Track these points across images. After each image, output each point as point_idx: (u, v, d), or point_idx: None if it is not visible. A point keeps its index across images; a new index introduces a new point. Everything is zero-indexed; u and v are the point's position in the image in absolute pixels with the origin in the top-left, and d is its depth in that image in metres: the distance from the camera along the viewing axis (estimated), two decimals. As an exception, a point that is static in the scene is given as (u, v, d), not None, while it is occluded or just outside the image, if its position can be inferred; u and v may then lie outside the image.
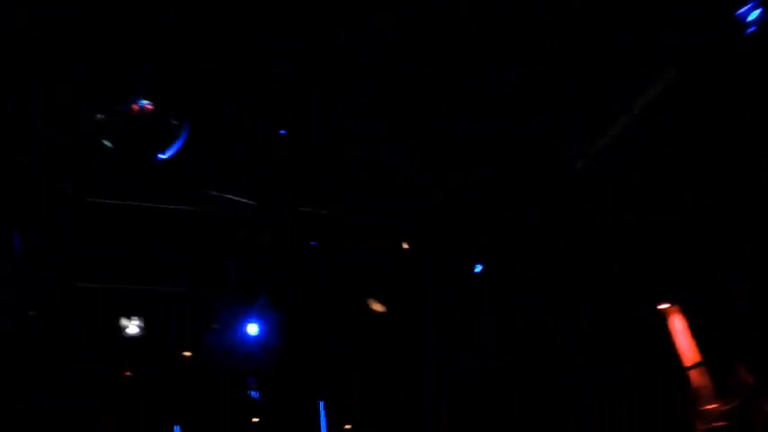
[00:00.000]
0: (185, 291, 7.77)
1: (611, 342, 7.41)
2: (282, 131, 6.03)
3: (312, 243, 7.34)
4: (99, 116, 5.19)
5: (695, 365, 6.50)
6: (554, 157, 6.10)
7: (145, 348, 7.98)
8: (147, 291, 7.69)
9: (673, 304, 6.74)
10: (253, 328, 8.11)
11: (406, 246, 7.49)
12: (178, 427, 8.29)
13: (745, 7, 4.56)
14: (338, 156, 6.39)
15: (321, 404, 8.37)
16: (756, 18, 4.55)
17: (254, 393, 8.64)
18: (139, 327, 7.87)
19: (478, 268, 7.56)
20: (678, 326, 6.68)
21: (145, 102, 5.29)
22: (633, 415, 7.42)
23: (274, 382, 8.61)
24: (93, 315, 7.63)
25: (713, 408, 6.27)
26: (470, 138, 6.04)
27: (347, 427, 8.54)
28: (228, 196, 6.64)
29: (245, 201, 6.69)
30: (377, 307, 7.95)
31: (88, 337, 7.75)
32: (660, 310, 6.79)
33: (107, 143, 5.40)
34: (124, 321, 7.81)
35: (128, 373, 8.19)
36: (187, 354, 8.53)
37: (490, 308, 7.86)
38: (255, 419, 8.69)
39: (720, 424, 6.15)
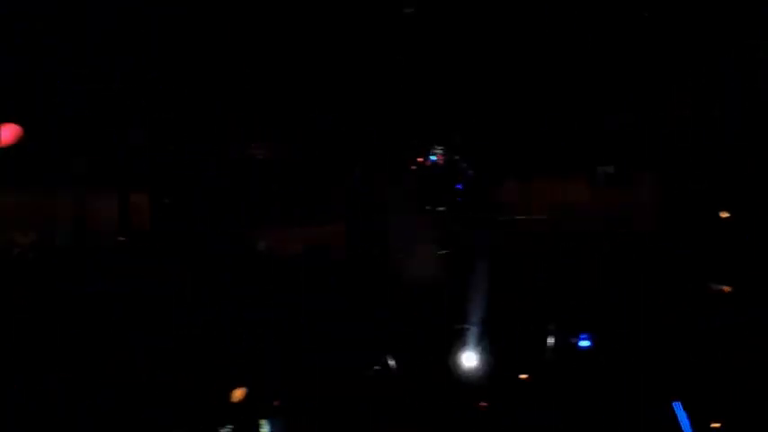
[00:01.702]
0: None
1: None
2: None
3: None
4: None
5: None
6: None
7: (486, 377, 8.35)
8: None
9: None
10: (584, 342, 8.35)
11: (725, 214, 7.21)
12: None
13: None
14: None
15: (677, 405, 8.01)
16: None
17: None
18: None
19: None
20: None
21: (434, 156, 5.60)
22: None
23: (623, 389, 8.47)
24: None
25: None
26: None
27: (715, 425, 8.05)
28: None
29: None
30: (725, 289, 7.68)
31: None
32: None
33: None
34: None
35: (484, 404, 8.49)
36: (524, 376, 8.69)
37: None
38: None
39: None
